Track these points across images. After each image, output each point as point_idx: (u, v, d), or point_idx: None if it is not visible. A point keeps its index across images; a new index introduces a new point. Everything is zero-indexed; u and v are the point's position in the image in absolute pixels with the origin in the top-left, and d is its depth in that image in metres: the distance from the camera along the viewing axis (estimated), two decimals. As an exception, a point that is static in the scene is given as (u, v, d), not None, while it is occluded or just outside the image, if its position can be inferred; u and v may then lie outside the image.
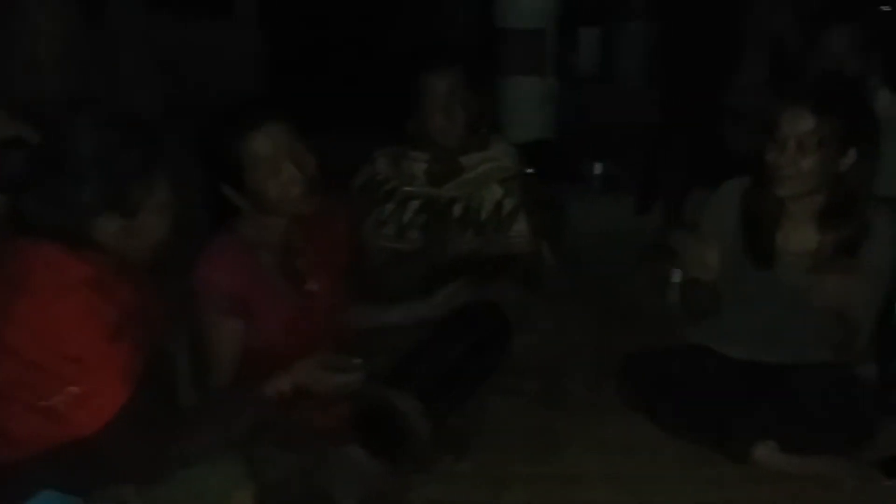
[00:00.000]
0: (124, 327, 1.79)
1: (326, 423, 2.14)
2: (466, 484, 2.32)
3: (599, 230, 3.92)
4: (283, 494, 1.96)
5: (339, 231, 2.44)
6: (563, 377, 2.72)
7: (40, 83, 3.37)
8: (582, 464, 2.41)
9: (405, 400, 2.17)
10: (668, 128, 3.95)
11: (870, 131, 2.39)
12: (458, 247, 2.92)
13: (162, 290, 1.98)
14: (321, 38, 5.40)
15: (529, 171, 3.18)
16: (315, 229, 2.32)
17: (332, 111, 4.55)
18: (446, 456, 2.35)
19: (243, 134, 2.15)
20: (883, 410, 2.42)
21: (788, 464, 2.31)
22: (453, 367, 2.33)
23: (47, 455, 1.77)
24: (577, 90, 5.30)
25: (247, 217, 2.23)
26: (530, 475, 2.36)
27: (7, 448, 1.79)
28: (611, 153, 4.56)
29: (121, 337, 1.79)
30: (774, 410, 2.35)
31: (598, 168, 4.53)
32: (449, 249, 2.90)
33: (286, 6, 5.05)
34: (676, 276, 2.84)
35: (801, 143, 2.32)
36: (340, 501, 2.06)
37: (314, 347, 2.14)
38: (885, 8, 5.00)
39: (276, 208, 2.22)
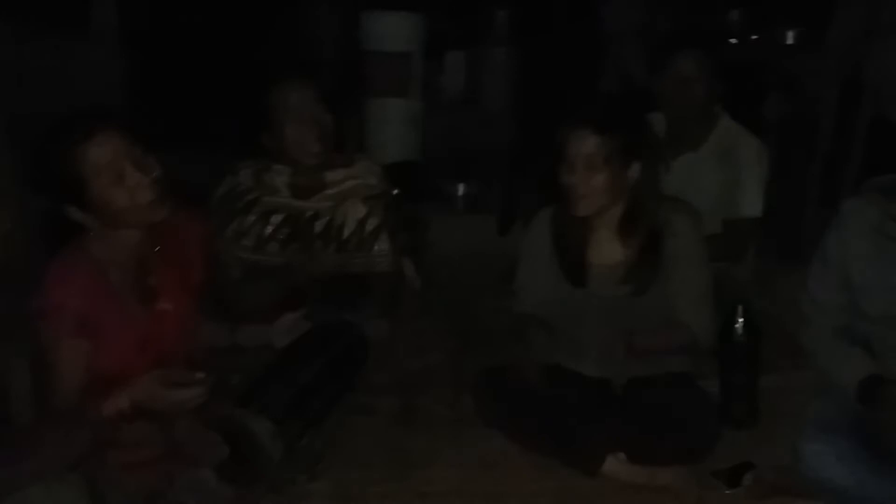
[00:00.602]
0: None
1: (175, 443, 2.09)
2: (321, 503, 2.31)
3: (462, 250, 3.97)
4: None
5: (193, 246, 2.39)
6: (419, 395, 2.74)
7: None
8: (438, 480, 2.43)
9: (257, 422, 2.14)
10: (527, 150, 4.04)
11: (650, 142, 2.59)
12: (320, 264, 2.91)
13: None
14: (184, 57, 5.33)
15: (395, 191, 3.21)
16: (168, 243, 2.27)
17: (194, 129, 4.49)
18: (300, 475, 2.34)
19: (77, 144, 2.09)
20: (723, 422, 2.53)
21: (636, 475, 2.39)
22: (307, 386, 2.32)
23: None
24: (442, 112, 5.36)
25: (95, 234, 2.17)
26: (386, 492, 2.37)
27: None
28: (475, 174, 4.63)
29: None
30: (622, 422, 2.43)
31: (461, 189, 4.59)
32: (310, 266, 2.89)
33: (149, 22, 4.96)
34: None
35: (589, 162, 2.45)
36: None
37: (164, 366, 2.10)
38: (733, 40, 5.26)
39: (126, 219, 2.15)
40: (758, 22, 5.38)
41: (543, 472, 2.45)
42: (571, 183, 2.48)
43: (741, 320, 2.56)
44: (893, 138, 3.79)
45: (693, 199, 2.89)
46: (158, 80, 4.87)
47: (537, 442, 2.50)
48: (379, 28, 4.88)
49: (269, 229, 2.88)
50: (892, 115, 3.91)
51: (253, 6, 5.40)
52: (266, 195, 2.90)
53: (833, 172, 4.05)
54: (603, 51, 4.25)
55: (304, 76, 2.92)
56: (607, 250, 2.57)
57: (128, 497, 1.96)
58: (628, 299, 2.52)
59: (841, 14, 4.16)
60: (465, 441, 2.59)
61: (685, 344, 2.56)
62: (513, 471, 2.47)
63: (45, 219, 2.19)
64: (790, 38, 5.26)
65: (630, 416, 2.45)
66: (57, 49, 3.94)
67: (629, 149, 2.48)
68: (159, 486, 2.04)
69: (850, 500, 2.13)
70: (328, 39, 5.39)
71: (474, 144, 5.08)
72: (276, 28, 5.35)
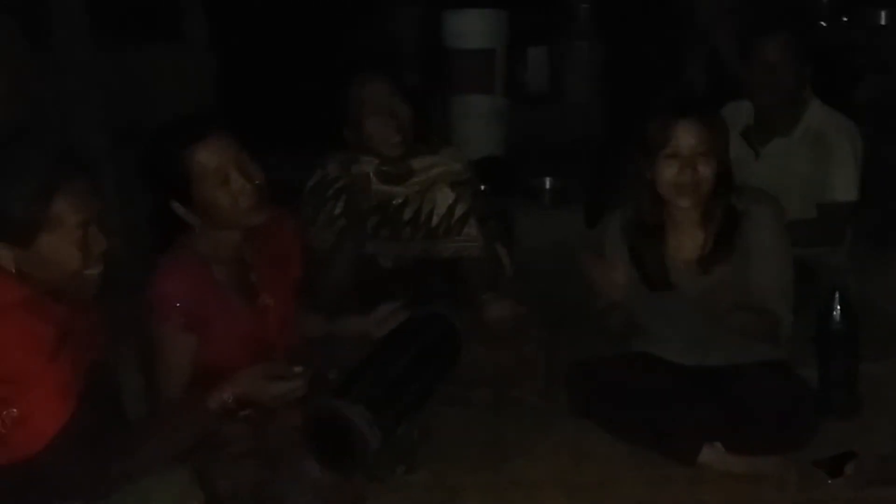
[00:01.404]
0: (62, 347, 1.79)
1: (278, 434, 2.15)
2: (420, 493, 2.35)
3: (550, 243, 3.97)
4: None
5: (290, 242, 2.46)
6: (513, 386, 2.76)
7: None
8: (533, 471, 2.45)
9: (354, 410, 2.19)
10: (612, 143, 4.02)
11: (728, 137, 2.58)
12: (411, 250, 2.93)
13: (104, 309, 1.98)
14: (272, 60, 5.44)
15: (481, 187, 3.23)
16: (267, 242, 2.34)
17: (282, 129, 4.58)
18: (398, 466, 2.37)
19: (188, 146, 2.18)
20: (822, 412, 2.49)
21: (734, 464, 2.37)
22: (401, 376, 2.35)
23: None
24: (526, 107, 5.37)
25: (198, 232, 2.25)
26: (483, 483, 2.39)
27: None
28: (560, 169, 4.62)
29: (58, 357, 1.78)
30: (718, 412, 2.41)
31: (548, 183, 4.59)
32: (402, 251, 2.91)
33: (237, 27, 5.07)
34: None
35: (700, 153, 2.43)
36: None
37: (266, 360, 2.16)
38: (823, 24, 5.15)
39: (227, 220, 2.23)
40: (849, 3, 5.26)
41: (638, 462, 2.45)
42: (679, 178, 2.45)
43: (839, 307, 2.52)
44: None
45: (786, 185, 2.86)
46: (247, 83, 4.98)
47: (632, 432, 2.49)
48: (462, 25, 4.91)
49: None
50: None
51: (337, 6, 5.48)
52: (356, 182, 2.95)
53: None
54: (688, 40, 4.20)
55: (379, 71, 2.96)
56: (687, 244, 2.54)
57: (235, 488, 2.01)
58: (708, 291, 2.48)
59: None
60: (558, 432, 2.60)
61: (771, 330, 2.52)
62: (607, 461, 2.48)
63: (151, 217, 2.26)
64: (882, 18, 5.13)
65: (726, 404, 2.43)
66: (151, 56, 4.07)
67: (721, 142, 2.49)
68: (264, 476, 2.09)
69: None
70: (411, 37, 5.44)
71: (559, 139, 5.07)
72: (359, 27, 5.43)
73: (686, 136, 2.44)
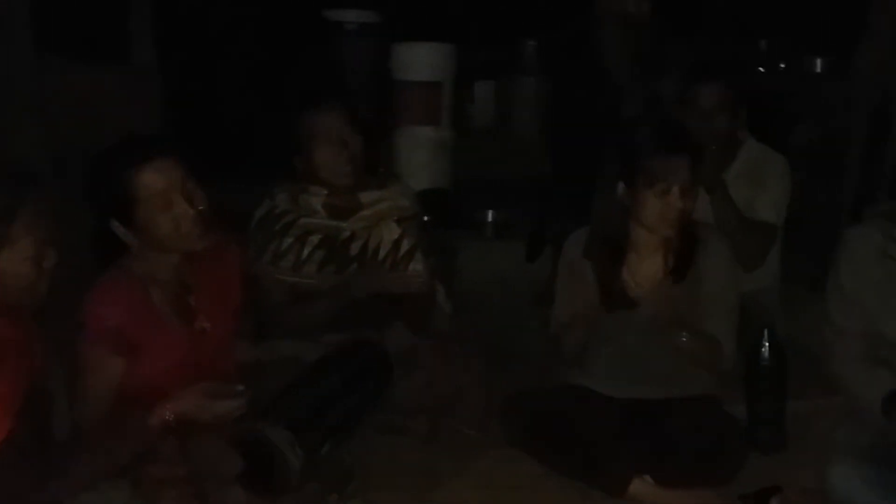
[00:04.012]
0: (2, 363, 1.79)
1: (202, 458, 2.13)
2: (352, 522, 2.36)
3: (491, 276, 4.01)
4: None
5: (232, 268, 2.46)
6: (450, 416, 2.78)
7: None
8: (466, 500, 2.46)
9: (274, 430, 2.19)
10: (556, 178, 4.08)
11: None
12: (366, 287, 2.93)
13: (42, 327, 1.98)
14: (220, 87, 5.44)
15: (425, 218, 3.26)
16: (207, 266, 2.34)
17: (229, 157, 4.58)
18: (331, 494, 2.37)
19: (134, 167, 2.18)
20: (749, 447, 2.54)
21: (663, 497, 2.40)
22: (325, 398, 2.36)
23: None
24: (472, 140, 5.42)
25: (137, 253, 2.25)
26: (415, 512, 2.41)
27: None
28: (504, 202, 4.67)
29: (-1, 373, 1.78)
30: (648, 445, 2.46)
31: (490, 216, 4.64)
32: (355, 290, 2.92)
33: (186, 54, 5.07)
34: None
35: (685, 188, 2.52)
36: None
37: (199, 383, 2.15)
38: (761, 69, 5.29)
39: (167, 244, 2.24)
40: (786, 51, 5.41)
41: (570, 494, 2.47)
42: (661, 209, 2.52)
43: (767, 344, 2.58)
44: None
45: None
46: (194, 109, 4.97)
47: (563, 463, 2.52)
48: (409, 58, 4.96)
49: (307, 251, 2.93)
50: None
51: (286, 36, 5.51)
52: (303, 216, 2.95)
53: (861, 201, 4.05)
54: (632, 80, 4.29)
55: (331, 101, 2.99)
56: (645, 268, 2.62)
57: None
58: (662, 311, 2.56)
59: (868, 42, 4.18)
60: (491, 461, 2.62)
61: (714, 357, 2.59)
62: (540, 493, 2.50)
63: (92, 236, 2.26)
64: (818, 66, 5.28)
65: (657, 437, 2.47)
66: (97, 79, 4.05)
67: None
68: None
69: (877, 524, 2.14)
70: (359, 69, 5.48)
71: (503, 173, 5.13)
72: (308, 57, 5.45)
73: (681, 174, 2.52)
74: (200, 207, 2.23)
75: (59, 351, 2.14)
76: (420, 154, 4.87)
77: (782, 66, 5.44)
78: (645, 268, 2.63)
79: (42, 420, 1.96)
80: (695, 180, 2.57)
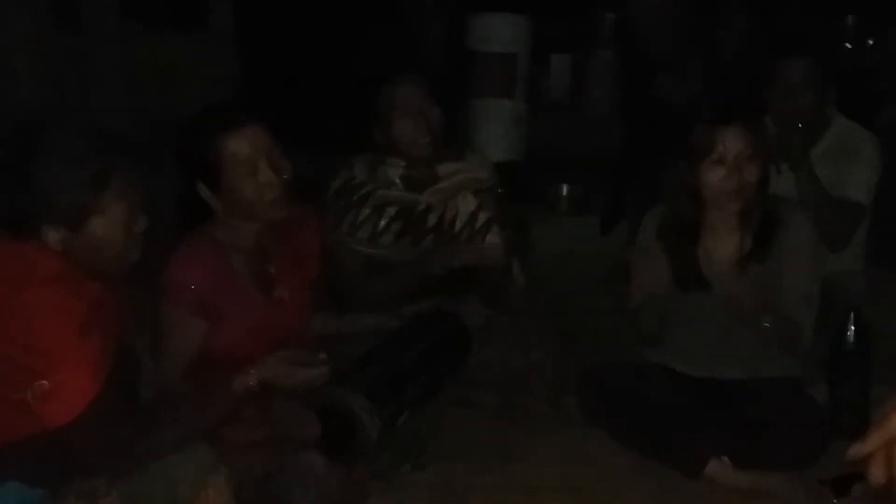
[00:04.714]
0: (93, 324, 1.82)
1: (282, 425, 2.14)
2: (424, 493, 2.35)
3: (565, 250, 3.98)
4: (240, 499, 1.94)
5: (310, 239, 2.47)
6: (522, 391, 2.76)
7: (15, 90, 3.38)
8: (540, 475, 2.45)
9: (354, 399, 2.19)
10: (633, 153, 4.03)
11: (771, 144, 2.65)
12: (446, 260, 2.91)
13: (130, 291, 2.01)
14: (296, 57, 5.46)
15: (499, 190, 3.23)
16: (287, 236, 2.36)
17: (305, 126, 4.60)
18: (405, 464, 2.38)
19: (224, 133, 2.19)
20: (832, 432, 2.48)
21: (740, 479, 2.36)
22: (404, 370, 2.36)
23: (15, 447, 1.78)
24: (547, 114, 5.38)
25: (219, 220, 2.26)
26: (489, 486, 2.39)
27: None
28: (578, 177, 4.63)
29: (90, 333, 1.81)
30: (727, 426, 2.42)
31: (565, 190, 4.60)
32: (437, 263, 2.90)
33: (263, 22, 5.09)
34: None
35: (743, 159, 2.46)
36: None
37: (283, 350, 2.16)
38: (848, 45, 5.14)
39: (250, 211, 2.25)
40: (873, 27, 5.25)
41: (644, 472, 2.45)
42: (719, 180, 2.48)
43: (853, 328, 2.52)
44: None
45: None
46: (272, 78, 5.00)
47: (639, 442, 2.50)
48: (484, 29, 4.92)
49: (384, 222, 2.92)
50: None
51: (363, 6, 5.50)
52: (380, 188, 2.95)
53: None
54: (710, 55, 4.20)
55: (411, 72, 2.97)
56: (722, 249, 2.57)
57: (239, 477, 2.02)
58: (741, 292, 2.50)
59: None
60: (566, 437, 2.60)
61: (793, 338, 2.53)
62: (613, 470, 2.48)
63: (176, 200, 2.28)
64: (907, 43, 5.12)
65: (736, 418, 2.43)
66: (177, 45, 4.09)
67: (765, 147, 2.54)
68: (270, 468, 2.09)
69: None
70: (434, 40, 5.46)
71: (578, 147, 5.08)
72: (384, 28, 5.44)
73: (733, 142, 2.47)
74: (285, 176, 2.23)
75: (143, 315, 2.17)
76: (493, 126, 4.84)
77: (870, 42, 5.28)
78: (721, 248, 2.57)
79: (130, 384, 1.99)
80: (759, 151, 2.49)
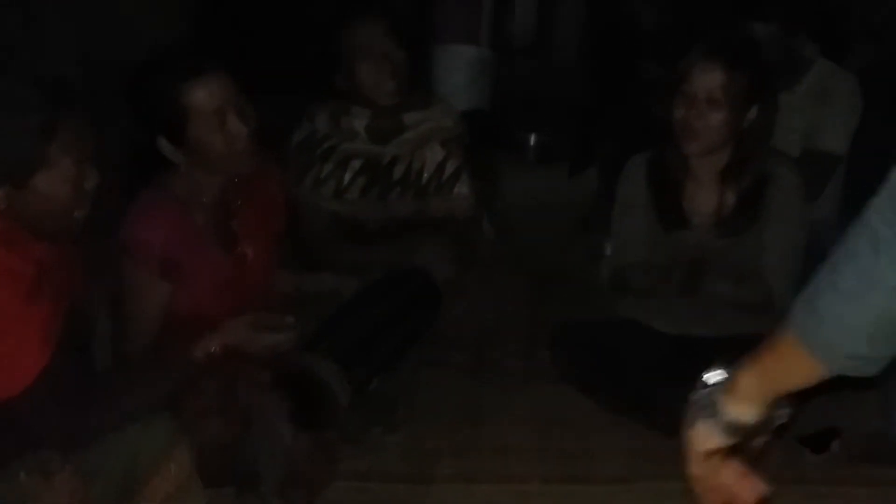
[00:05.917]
0: (41, 287, 1.71)
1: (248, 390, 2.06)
2: (396, 456, 2.31)
3: (533, 200, 3.90)
4: (203, 469, 1.86)
5: (274, 193, 2.36)
6: (494, 348, 2.70)
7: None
8: (512, 435, 2.41)
9: (323, 364, 2.12)
10: (600, 97, 3.95)
11: (771, 88, 2.48)
12: (400, 210, 2.84)
13: (81, 251, 1.89)
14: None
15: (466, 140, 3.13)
16: (249, 190, 2.24)
17: (261, 69, 4.44)
18: (375, 428, 2.32)
19: (187, 82, 2.05)
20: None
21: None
22: (373, 330, 2.29)
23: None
24: (512, 60, 5.26)
25: (179, 174, 2.13)
26: (461, 447, 2.35)
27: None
28: (546, 123, 4.54)
29: (38, 298, 1.70)
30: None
31: (532, 138, 4.50)
32: (390, 213, 2.82)
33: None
34: (608, 250, 2.84)
35: (711, 98, 2.34)
36: (265, 477, 1.99)
37: (241, 311, 2.07)
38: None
39: (217, 164, 2.12)
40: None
41: (620, 431, 2.41)
42: (686, 119, 2.37)
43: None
44: None
45: (782, 140, 2.77)
46: (228, 22, 4.83)
47: (615, 400, 2.45)
48: (449, -27, 4.78)
49: (348, 177, 2.82)
50: None
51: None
52: (344, 142, 2.83)
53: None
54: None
55: (374, 12, 2.83)
56: (706, 197, 2.48)
57: (201, 445, 1.93)
58: (721, 248, 2.43)
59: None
60: (538, 396, 2.56)
61: (763, 304, 2.46)
62: (587, 428, 2.44)
63: (130, 153, 2.15)
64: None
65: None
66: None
67: (752, 90, 2.38)
68: (233, 436, 2.01)
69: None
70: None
71: (545, 93, 4.97)
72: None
73: (703, 77, 2.35)
74: (253, 126, 2.11)
75: (97, 275, 2.05)
76: (458, 73, 4.72)
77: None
78: (704, 200, 2.47)
79: (84, 350, 1.89)
80: (735, 95, 2.34)
